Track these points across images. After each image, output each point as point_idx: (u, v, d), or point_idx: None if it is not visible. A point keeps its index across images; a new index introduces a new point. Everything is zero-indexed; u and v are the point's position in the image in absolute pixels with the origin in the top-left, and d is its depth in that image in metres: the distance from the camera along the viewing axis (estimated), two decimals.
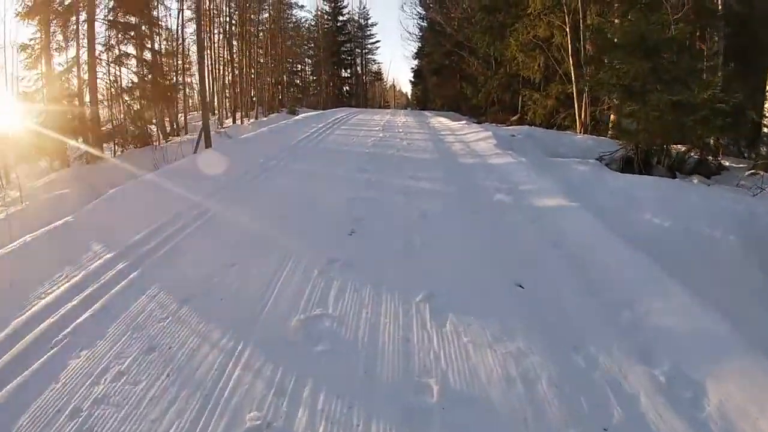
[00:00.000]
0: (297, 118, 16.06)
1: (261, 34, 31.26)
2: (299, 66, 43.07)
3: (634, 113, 8.09)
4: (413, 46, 43.27)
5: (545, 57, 13.31)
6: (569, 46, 11.74)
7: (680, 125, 7.35)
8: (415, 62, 41.12)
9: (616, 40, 8.28)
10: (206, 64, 28.72)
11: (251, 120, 22.54)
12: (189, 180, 5.70)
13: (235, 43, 28.59)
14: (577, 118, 11.92)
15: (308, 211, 4.51)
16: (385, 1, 73.79)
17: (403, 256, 3.45)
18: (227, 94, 25.83)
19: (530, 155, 7.61)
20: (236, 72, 26.60)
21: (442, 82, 27.99)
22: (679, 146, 8.43)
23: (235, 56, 26.32)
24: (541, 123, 13.48)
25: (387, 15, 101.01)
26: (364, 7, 45.30)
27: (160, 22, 15.93)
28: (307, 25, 41.20)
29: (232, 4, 26.52)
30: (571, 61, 11.79)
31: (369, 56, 48.09)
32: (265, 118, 22.86)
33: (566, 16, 11.69)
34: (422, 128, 11.80)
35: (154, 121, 17.57)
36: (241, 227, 4.13)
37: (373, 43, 47.18)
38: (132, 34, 14.65)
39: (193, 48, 34.35)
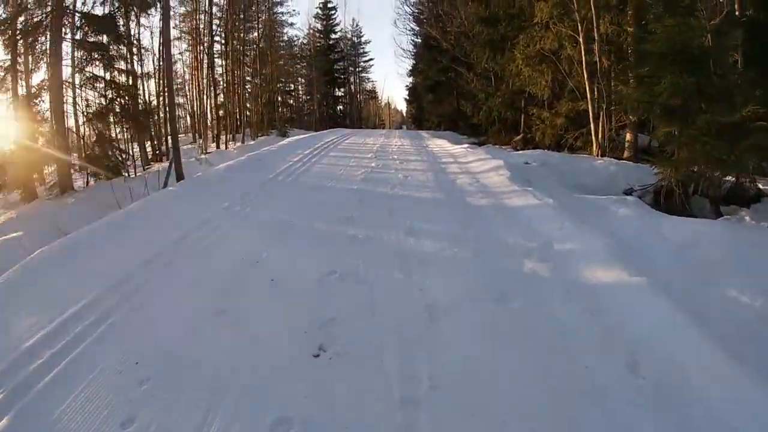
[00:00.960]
0: (284, 142, 14.72)
1: (251, 53, 30.22)
2: (292, 85, 42.04)
3: (674, 138, 6.81)
4: (407, 63, 42.25)
5: (553, 71, 12.06)
6: (583, 58, 10.47)
7: (730, 150, 6.04)
8: (410, 80, 40.19)
9: (648, 48, 6.99)
10: (195, 84, 27.59)
11: (238, 144, 21.22)
12: (125, 241, 4.38)
13: (222, 62, 27.52)
14: (593, 138, 10.61)
15: (259, 302, 3.09)
16: (379, 18, 73.41)
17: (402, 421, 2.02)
18: (215, 116, 24.58)
19: (553, 191, 6.25)
20: (221, 93, 25.43)
21: (439, 100, 26.80)
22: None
23: (219, 77, 25.18)
24: (550, 144, 12.19)
25: (381, 32, 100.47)
26: (357, 25, 44.35)
27: (136, 41, 14.64)
28: (299, 44, 40.24)
29: (220, 23, 25.49)
30: (585, 75, 10.51)
31: (363, 74, 47.15)
32: (252, 142, 21.58)
33: (579, 25, 10.44)
34: (420, 154, 10.48)
35: (129, 146, 16.33)
36: (148, 346, 2.62)
37: (367, 61, 46.26)
38: (102, 54, 13.37)
39: (182, 68, 33.47)
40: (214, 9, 23.97)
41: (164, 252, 4.00)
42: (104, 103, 13.50)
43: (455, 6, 19.84)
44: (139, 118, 13.17)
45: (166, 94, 11.68)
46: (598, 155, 10.44)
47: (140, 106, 13.75)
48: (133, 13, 14.62)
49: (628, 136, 10.91)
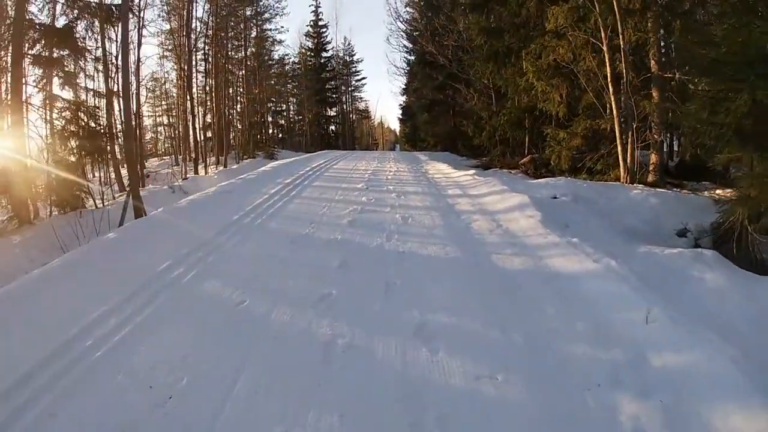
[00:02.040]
0: (266, 168, 13.15)
1: (240, 71, 28.86)
2: (284, 105, 40.67)
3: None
4: (401, 81, 40.95)
5: (569, 85, 10.61)
6: (608, 69, 9.01)
7: None
8: (403, 98, 38.90)
9: (712, 56, 5.48)
10: (180, 104, 26.06)
11: (219, 168, 19.65)
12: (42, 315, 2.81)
13: (210, 81, 26.09)
14: (620, 161, 9.10)
15: None
16: (371, 36, 72.27)
17: None
18: (197, 138, 23.06)
19: (604, 242, 4.71)
20: (208, 114, 23.95)
21: (435, 120, 25.37)
22: None
23: (206, 96, 23.71)
24: (567, 168, 10.67)
25: (374, 50, 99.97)
26: (349, 43, 43.30)
27: (100, 56, 13.09)
28: (290, 62, 38.95)
29: (207, 40, 24.13)
30: (609, 89, 9.05)
31: (355, 93, 45.95)
32: (236, 165, 19.99)
33: (602, 32, 8.99)
34: (419, 183, 8.91)
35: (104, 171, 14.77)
36: None
37: (359, 80, 45.08)
38: (59, 71, 11.85)
39: (170, 87, 32.07)
40: (201, 26, 22.65)
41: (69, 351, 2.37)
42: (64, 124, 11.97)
43: (452, 18, 18.50)
44: (98, 143, 11.56)
45: (123, 112, 10.05)
46: (626, 181, 8.95)
47: (100, 127, 12.09)
48: (97, 25, 13.09)
49: (653, 158, 9.45)
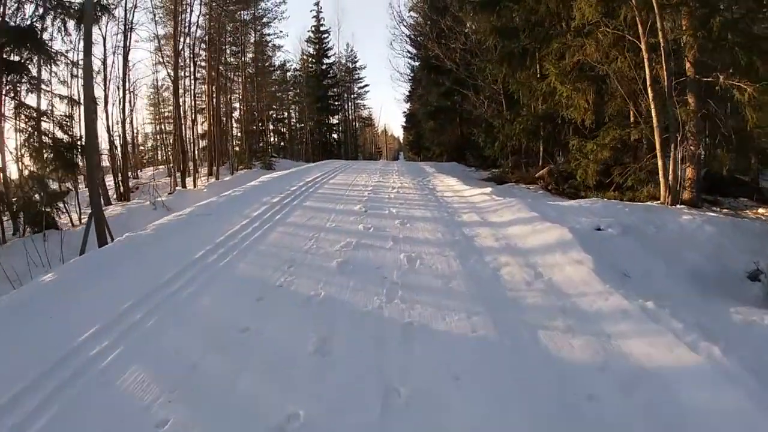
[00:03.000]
0: (255, 183, 11.93)
1: (239, 77, 27.74)
2: (285, 113, 39.50)
3: None
4: (404, 88, 39.73)
5: (596, 89, 9.37)
6: (647, 71, 7.75)
7: None
8: (407, 105, 37.73)
9: None
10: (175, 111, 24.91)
11: (211, 180, 18.45)
12: None
13: (206, 88, 24.99)
14: (660, 178, 7.83)
15: None
16: (375, 42, 70.61)
17: None
18: (188, 148, 21.95)
19: (678, 297, 3.48)
20: (189, 123, 22.81)
21: (441, 128, 24.11)
22: None
23: (191, 104, 22.57)
24: (593, 184, 9.41)
25: (377, 56, 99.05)
26: (352, 50, 42.15)
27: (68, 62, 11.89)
28: (291, 69, 37.82)
29: (205, 46, 23.06)
30: (649, 94, 7.79)
31: (358, 101, 44.87)
32: (229, 177, 18.81)
33: (639, 28, 7.74)
34: (427, 205, 7.58)
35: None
36: None
37: (362, 87, 44.02)
38: (20, 76, 10.65)
39: (168, 96, 30.97)
40: (196, 30, 21.54)
41: None
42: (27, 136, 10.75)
43: (459, 20, 17.29)
44: (65, 155, 10.33)
45: (85, 123, 8.80)
46: (666, 201, 7.68)
47: (70, 138, 10.89)
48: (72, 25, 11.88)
49: (689, 172, 8.19)
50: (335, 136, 42.02)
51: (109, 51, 17.20)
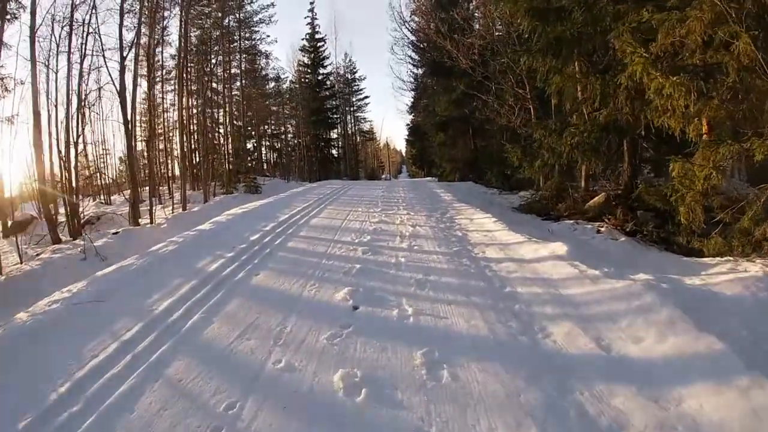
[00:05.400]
0: (220, 219, 8.74)
1: (221, 87, 24.77)
2: (281, 127, 36.38)
3: None
4: (407, 97, 36.58)
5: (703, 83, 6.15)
6: None
7: None
8: (410, 117, 34.71)
9: None
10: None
11: (177, 212, 15.19)
12: None
13: (179, 100, 21.91)
14: None
15: None
16: (375, 52, 66.94)
17: None
18: (136, 172, 18.83)
19: None
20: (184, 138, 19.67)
21: (452, 141, 20.87)
22: None
23: (186, 120, 19.46)
24: (700, 228, 6.12)
25: (377, 66, 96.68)
26: (350, 60, 39.07)
27: None
28: (287, 81, 34.84)
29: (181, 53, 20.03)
30: None
31: (358, 114, 41.72)
32: (198, 207, 15.53)
33: None
34: (469, 290, 4.16)
35: None
36: None
37: (362, 99, 40.93)
38: None
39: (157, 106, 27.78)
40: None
41: None
42: None
43: (473, 10, 14.13)
44: None
45: None
46: None
47: None
48: None
49: None
50: (334, 151, 38.92)
51: (50, 55, 14.09)
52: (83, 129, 14.94)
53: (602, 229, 7.35)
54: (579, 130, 8.48)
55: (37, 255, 10.92)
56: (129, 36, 15.07)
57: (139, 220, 13.51)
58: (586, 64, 8.55)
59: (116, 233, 11.38)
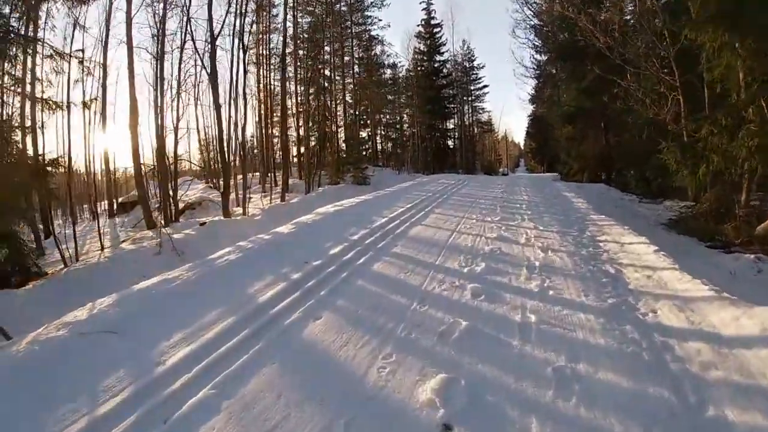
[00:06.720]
0: (310, 217, 7.77)
1: (340, 77, 24.54)
2: (397, 117, 35.61)
3: None
4: (530, 85, 33.79)
5: None
6: None
7: None
8: (532, 107, 32.15)
9: None
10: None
11: (275, 203, 14.75)
12: None
13: (296, 88, 21.82)
14: None
15: None
16: (494, 38, 63.22)
17: None
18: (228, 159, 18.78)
19: None
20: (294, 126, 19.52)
21: (582, 135, 18.39)
22: None
23: (301, 106, 19.31)
24: None
25: (496, 53, 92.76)
26: (468, 47, 37.03)
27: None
28: (403, 70, 33.86)
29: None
30: None
31: (476, 103, 39.65)
32: (297, 199, 14.97)
33: None
34: (650, 395, 2.53)
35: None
36: None
37: (480, 88, 38.77)
38: None
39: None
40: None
41: None
42: None
43: None
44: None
45: None
46: None
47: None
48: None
49: None
50: (450, 143, 37.26)
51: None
52: (181, 114, 14.94)
53: None
54: (763, 129, 6.36)
55: (122, 242, 10.85)
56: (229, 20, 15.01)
57: (235, 208, 13.20)
58: None
59: (203, 224, 10.97)
